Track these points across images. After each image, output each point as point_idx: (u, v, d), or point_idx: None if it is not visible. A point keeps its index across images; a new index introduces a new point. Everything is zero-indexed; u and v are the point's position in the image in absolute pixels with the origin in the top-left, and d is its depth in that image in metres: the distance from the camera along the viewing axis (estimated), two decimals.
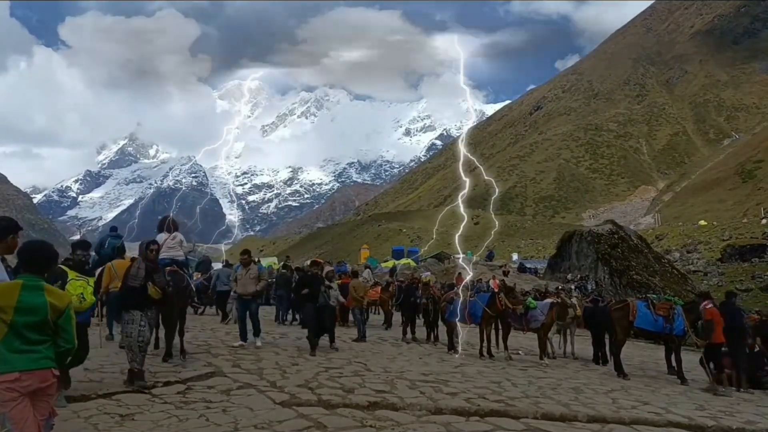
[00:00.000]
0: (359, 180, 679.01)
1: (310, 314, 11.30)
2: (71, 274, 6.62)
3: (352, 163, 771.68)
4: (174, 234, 10.21)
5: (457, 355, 12.68)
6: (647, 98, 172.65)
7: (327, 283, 12.18)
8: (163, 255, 9.34)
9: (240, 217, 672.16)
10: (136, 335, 7.32)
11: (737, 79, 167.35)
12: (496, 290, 14.75)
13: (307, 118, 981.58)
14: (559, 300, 14.41)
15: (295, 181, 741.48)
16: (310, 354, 10.68)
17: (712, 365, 11.31)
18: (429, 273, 18.76)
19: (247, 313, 11.50)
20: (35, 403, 3.51)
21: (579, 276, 30.46)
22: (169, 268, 9.30)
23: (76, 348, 3.84)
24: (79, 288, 6.52)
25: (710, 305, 11.66)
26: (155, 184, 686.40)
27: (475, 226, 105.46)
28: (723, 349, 11.56)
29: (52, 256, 3.89)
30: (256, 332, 11.46)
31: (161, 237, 9.97)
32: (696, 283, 34.76)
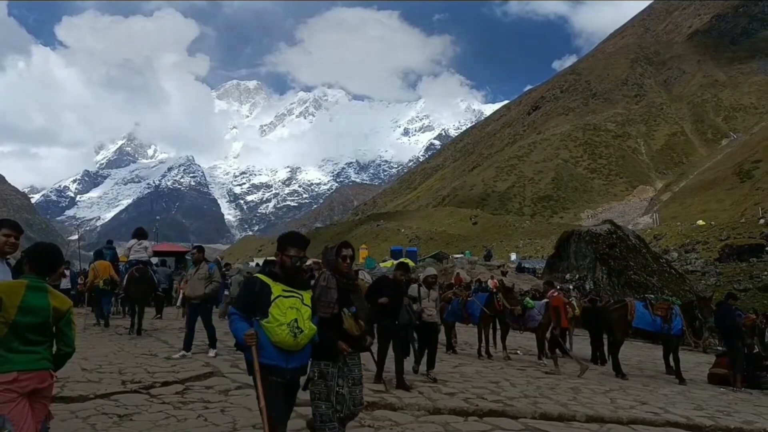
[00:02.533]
0: (358, 180, 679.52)
1: (384, 335, 8.52)
2: (276, 289, 4.14)
3: (351, 162, 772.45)
4: (141, 241, 13.06)
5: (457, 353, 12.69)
6: (645, 98, 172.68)
7: (415, 292, 9.73)
8: (131, 257, 12.89)
9: (238, 217, 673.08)
10: (329, 402, 4.78)
11: (735, 79, 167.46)
12: (494, 290, 14.78)
13: (305, 118, 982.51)
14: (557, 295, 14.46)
15: (294, 181, 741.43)
16: (386, 390, 8.01)
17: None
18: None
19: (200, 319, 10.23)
20: (32, 404, 3.50)
21: (577, 276, 30.47)
22: (136, 266, 12.61)
23: (74, 351, 3.84)
24: (291, 312, 4.09)
25: (556, 293, 12.38)
26: (153, 184, 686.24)
27: (474, 225, 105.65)
28: (721, 349, 11.61)
29: (58, 259, 3.91)
30: (211, 342, 10.15)
31: (131, 242, 13.02)
32: (694, 283, 34.80)
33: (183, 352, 9.81)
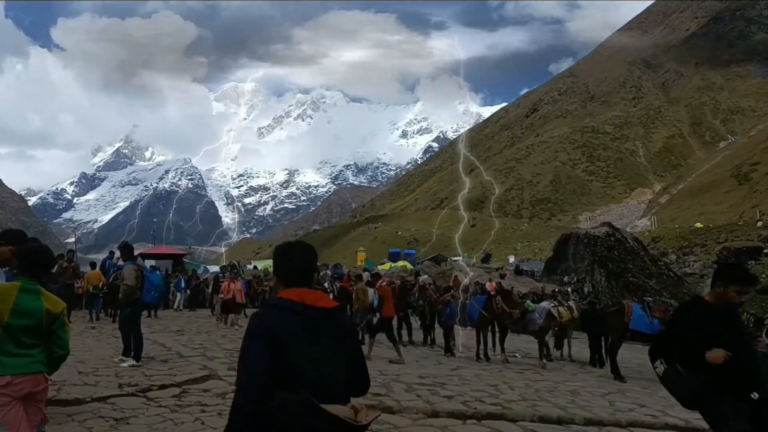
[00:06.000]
0: (356, 182, 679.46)
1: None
2: None
3: (349, 165, 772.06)
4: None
5: (456, 356, 12.67)
6: (643, 101, 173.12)
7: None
8: (119, 263, 14.81)
9: (236, 220, 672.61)
10: None
11: (732, 82, 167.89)
12: (492, 293, 14.76)
13: (303, 120, 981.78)
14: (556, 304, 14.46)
15: (292, 184, 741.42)
16: None
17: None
18: (426, 276, 18.77)
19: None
20: (27, 408, 3.47)
21: (575, 278, 30.47)
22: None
23: (68, 354, 3.81)
24: None
25: (384, 283, 13.38)
26: (151, 187, 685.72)
27: (472, 228, 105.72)
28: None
29: (48, 258, 3.89)
30: (126, 350, 9.35)
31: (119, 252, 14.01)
32: (693, 286, 34.81)
33: (121, 357, 9.23)
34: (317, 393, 2.33)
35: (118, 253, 14.65)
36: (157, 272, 19.26)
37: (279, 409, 2.30)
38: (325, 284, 17.90)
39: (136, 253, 14.03)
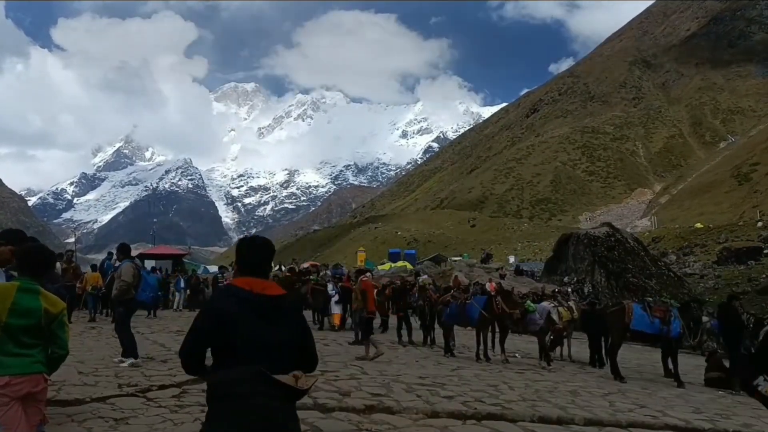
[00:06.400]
0: (356, 182, 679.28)
1: None
2: None
3: (349, 165, 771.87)
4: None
5: (456, 355, 12.67)
6: (643, 101, 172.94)
7: None
8: (115, 264, 13.58)
9: (236, 220, 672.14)
10: None
11: (733, 82, 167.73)
12: (492, 293, 14.76)
13: (303, 120, 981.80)
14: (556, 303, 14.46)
15: (292, 184, 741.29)
16: None
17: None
18: (426, 276, 18.76)
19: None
20: (26, 408, 3.47)
21: (575, 279, 30.46)
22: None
23: (67, 354, 3.81)
24: None
25: (366, 278, 13.65)
26: (151, 187, 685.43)
27: (472, 228, 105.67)
28: (721, 352, 11.54)
29: (49, 260, 3.88)
30: (124, 351, 9.35)
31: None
32: (693, 286, 34.80)
33: (131, 360, 9.11)
34: (263, 365, 2.73)
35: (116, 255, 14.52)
36: (155, 274, 19.39)
37: (234, 380, 2.71)
38: (329, 285, 17.75)
39: (135, 253, 14.05)
